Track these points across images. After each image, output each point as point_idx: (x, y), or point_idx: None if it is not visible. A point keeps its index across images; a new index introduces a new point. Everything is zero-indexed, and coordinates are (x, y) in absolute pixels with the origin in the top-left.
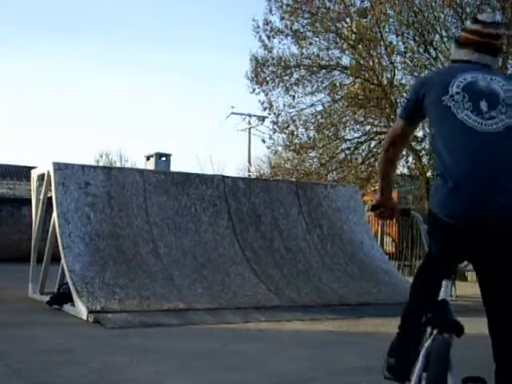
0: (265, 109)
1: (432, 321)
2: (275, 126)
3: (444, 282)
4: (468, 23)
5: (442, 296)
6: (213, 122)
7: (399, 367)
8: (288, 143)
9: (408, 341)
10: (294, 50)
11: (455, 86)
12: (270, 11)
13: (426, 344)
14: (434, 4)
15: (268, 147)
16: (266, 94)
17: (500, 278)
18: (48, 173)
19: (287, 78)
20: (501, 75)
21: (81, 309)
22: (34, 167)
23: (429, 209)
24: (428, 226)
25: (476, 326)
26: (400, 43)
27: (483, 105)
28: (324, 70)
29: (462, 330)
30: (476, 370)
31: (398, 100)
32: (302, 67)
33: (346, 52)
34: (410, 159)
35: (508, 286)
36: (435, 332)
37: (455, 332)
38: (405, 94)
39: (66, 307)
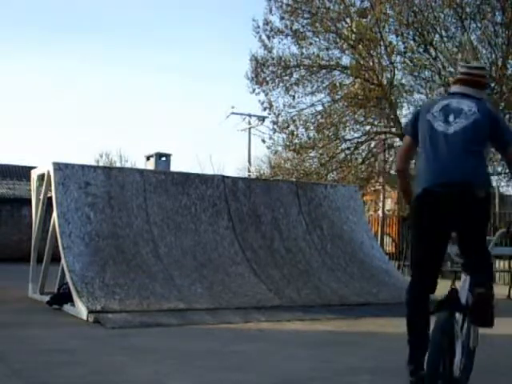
0: (265, 109)
1: (440, 307)
2: (275, 126)
3: (462, 276)
4: (459, 68)
5: (461, 287)
6: (213, 122)
7: (418, 370)
8: (288, 143)
9: (418, 344)
10: (294, 50)
11: (435, 108)
12: (270, 11)
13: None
14: (433, 4)
15: (268, 147)
16: (266, 94)
17: (468, 231)
18: (48, 173)
19: (287, 78)
20: (474, 100)
21: (81, 309)
22: (34, 167)
23: (415, 195)
24: (414, 208)
25: None
26: (400, 43)
27: (451, 117)
28: (324, 70)
29: (466, 308)
30: (479, 367)
31: (398, 100)
32: (302, 67)
33: (346, 52)
34: None
35: (472, 236)
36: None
37: (459, 310)
38: (404, 94)
39: (66, 307)
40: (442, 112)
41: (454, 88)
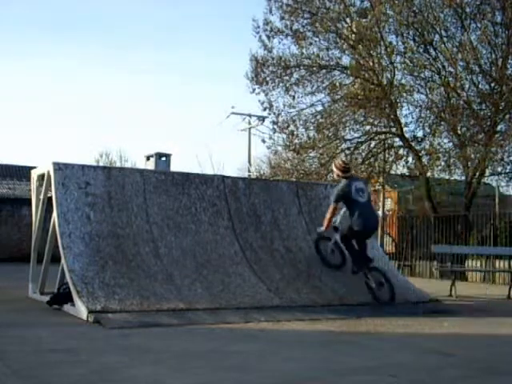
0: (265, 109)
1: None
2: (275, 126)
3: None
4: (337, 162)
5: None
6: (213, 122)
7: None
8: (288, 143)
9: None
10: (294, 50)
11: (353, 187)
12: (270, 11)
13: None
14: (433, 4)
15: (268, 147)
16: (266, 94)
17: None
18: (48, 173)
19: (287, 78)
20: (359, 179)
21: (81, 309)
22: (34, 167)
23: (355, 230)
24: (350, 231)
25: (475, 328)
26: (400, 43)
27: (360, 192)
28: (324, 70)
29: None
30: (481, 367)
31: (398, 100)
32: (302, 67)
33: (346, 52)
34: (410, 159)
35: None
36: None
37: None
38: (404, 94)
39: (66, 307)
40: (357, 191)
41: (347, 174)
